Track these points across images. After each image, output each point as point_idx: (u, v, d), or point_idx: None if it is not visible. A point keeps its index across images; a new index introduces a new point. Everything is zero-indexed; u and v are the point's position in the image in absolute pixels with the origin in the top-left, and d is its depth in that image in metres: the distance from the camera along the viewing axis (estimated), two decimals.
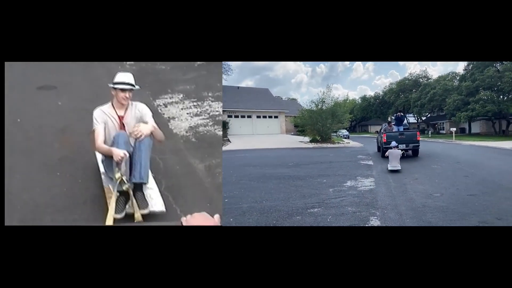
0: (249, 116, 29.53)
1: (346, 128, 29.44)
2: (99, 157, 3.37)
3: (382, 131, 12.93)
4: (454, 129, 26.48)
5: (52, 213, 3.02)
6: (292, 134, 29.19)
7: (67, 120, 4.02)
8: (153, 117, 3.28)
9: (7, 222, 2.92)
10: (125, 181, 2.99)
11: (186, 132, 4.07)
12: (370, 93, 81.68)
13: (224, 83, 29.15)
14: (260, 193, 5.85)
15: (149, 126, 3.14)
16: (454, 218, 4.28)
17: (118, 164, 2.97)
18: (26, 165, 3.43)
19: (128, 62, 5.19)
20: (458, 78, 36.06)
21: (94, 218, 3.03)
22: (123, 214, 3.04)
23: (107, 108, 3.26)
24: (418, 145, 11.75)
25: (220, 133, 4.20)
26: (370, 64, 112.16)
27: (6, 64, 4.68)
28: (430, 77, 42.89)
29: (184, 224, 1.37)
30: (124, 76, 3.21)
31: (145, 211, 3.05)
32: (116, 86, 3.18)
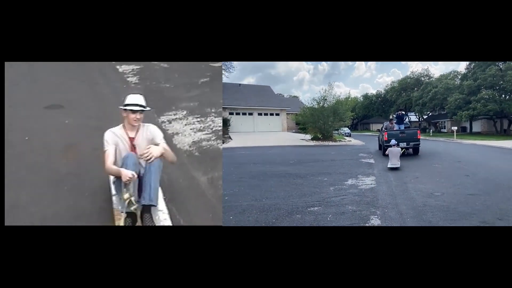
0: (250, 114, 29.50)
1: (347, 126, 29.40)
2: (111, 178, 3.36)
3: (383, 129, 12.97)
4: (455, 128, 26.40)
5: (59, 223, 3.08)
6: (293, 132, 29.17)
7: (74, 137, 4.13)
8: (164, 138, 3.29)
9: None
10: (133, 202, 2.98)
11: (190, 146, 4.17)
12: (372, 91, 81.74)
13: (225, 80, 29.08)
14: (260, 191, 5.84)
15: (159, 148, 3.14)
16: (454, 218, 4.27)
17: (127, 185, 2.98)
18: (34, 179, 3.52)
19: (133, 82, 5.37)
20: (459, 76, 35.94)
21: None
22: None
23: (118, 129, 3.28)
24: (419, 144, 11.88)
25: (221, 147, 4.27)
26: (372, 63, 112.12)
27: (14, 82, 4.81)
28: (432, 75, 42.86)
29: None
30: (135, 98, 3.23)
31: None
32: (127, 107, 3.19)
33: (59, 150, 3.92)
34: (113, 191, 3.27)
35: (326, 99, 20.85)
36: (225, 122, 23.04)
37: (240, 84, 32.92)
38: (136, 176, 3.01)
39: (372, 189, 6.01)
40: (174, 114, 4.76)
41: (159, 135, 3.29)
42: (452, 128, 26.62)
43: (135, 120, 3.20)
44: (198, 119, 4.66)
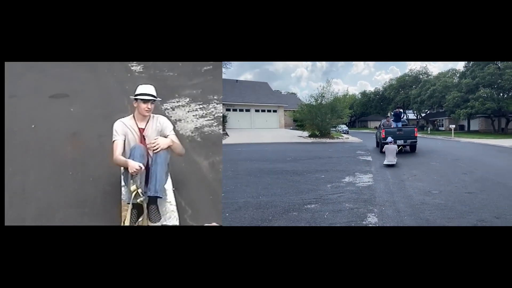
0: (247, 110, 29.36)
1: (345, 124, 29.38)
2: (121, 170, 3.36)
3: (381, 126, 13.03)
4: (453, 126, 26.45)
5: (64, 207, 3.19)
6: (291, 129, 29.14)
7: (79, 125, 4.25)
8: (174, 130, 3.30)
9: (22, 216, 3.08)
10: (140, 194, 2.98)
11: (192, 132, 4.26)
12: (370, 88, 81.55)
13: (223, 76, 28.95)
14: (257, 188, 5.81)
15: (167, 140, 3.14)
16: (452, 216, 4.25)
17: (134, 176, 2.97)
18: (40, 165, 3.63)
19: (137, 71, 5.47)
20: (458, 75, 35.99)
21: (103, 213, 3.17)
22: None
23: (128, 120, 3.26)
24: (416, 141, 12.03)
25: (221, 132, 4.37)
26: None
27: (20, 73, 4.98)
28: (430, 73, 42.89)
29: None
30: (146, 88, 3.22)
31: (156, 224, 3.05)
32: (138, 97, 3.18)
33: (64, 137, 4.03)
34: (122, 182, 3.26)
35: (324, 96, 20.82)
36: (222, 118, 22.93)
37: (237, 80, 32.67)
38: (143, 168, 3.00)
39: (370, 187, 5.98)
40: (177, 102, 4.83)
41: (169, 127, 3.27)
42: (450, 126, 26.66)
43: (146, 110, 3.17)
44: (201, 106, 4.74)
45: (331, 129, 22.31)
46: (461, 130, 33.50)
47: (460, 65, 43.63)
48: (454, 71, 38.08)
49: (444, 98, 33.11)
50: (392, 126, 12.61)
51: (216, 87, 5.10)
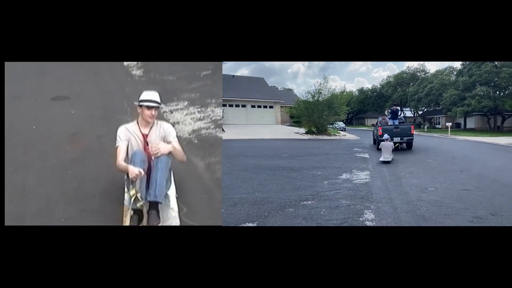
0: (243, 106, 29.14)
1: (342, 120, 29.39)
2: (125, 176, 3.37)
3: (378, 124, 13.09)
4: (450, 123, 26.54)
5: (64, 204, 3.25)
6: (287, 125, 29.09)
7: (79, 126, 4.35)
8: (176, 137, 3.32)
9: (22, 212, 3.12)
10: (139, 199, 2.98)
11: (189, 134, 4.35)
12: (368, 85, 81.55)
13: None
14: (253, 184, 5.78)
15: (168, 145, 3.15)
16: (448, 213, 4.25)
17: (133, 181, 2.98)
18: (40, 164, 3.71)
19: (137, 74, 5.63)
20: (455, 73, 36.05)
21: (101, 210, 3.22)
22: None
23: (132, 126, 3.26)
24: (412, 138, 12.14)
25: (221, 135, 4.44)
26: None
27: (23, 75, 5.13)
28: (427, 71, 42.91)
29: None
30: (150, 94, 3.22)
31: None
32: (142, 103, 3.17)
33: (65, 138, 4.14)
34: (126, 188, 3.26)
35: (321, 93, 20.74)
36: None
37: (233, 75, 32.45)
38: (143, 173, 3.00)
39: (366, 184, 5.97)
40: (176, 105, 4.94)
41: (172, 133, 3.29)
42: (447, 124, 26.75)
43: (149, 117, 3.18)
44: (199, 109, 4.85)
45: (328, 126, 22.31)
46: (457, 128, 33.65)
47: (457, 63, 43.89)
48: (451, 69, 38.17)
49: (441, 96, 33.20)
50: (388, 124, 12.67)
51: (215, 90, 5.22)
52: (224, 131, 19.66)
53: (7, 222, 2.89)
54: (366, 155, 10.48)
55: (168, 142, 3.22)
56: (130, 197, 2.97)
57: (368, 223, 3.83)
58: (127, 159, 3.12)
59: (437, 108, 38.78)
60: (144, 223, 3.05)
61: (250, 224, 3.77)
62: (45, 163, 3.72)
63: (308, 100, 21.03)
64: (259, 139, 16.36)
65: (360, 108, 54.39)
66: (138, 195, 2.97)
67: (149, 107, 3.16)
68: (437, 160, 9.51)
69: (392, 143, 9.51)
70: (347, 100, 23.54)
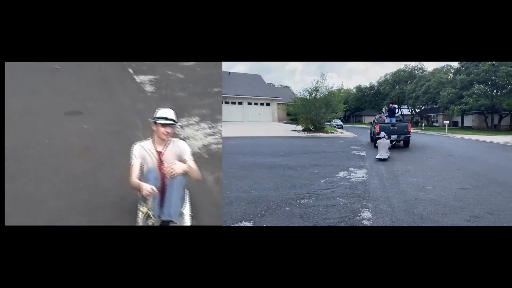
0: (240, 103, 28.95)
1: (340, 118, 29.33)
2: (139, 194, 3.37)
3: (375, 122, 13.10)
4: (447, 122, 26.58)
5: (74, 215, 3.30)
6: (284, 123, 29.03)
7: (91, 141, 4.46)
8: (191, 154, 3.31)
9: (34, 223, 3.11)
10: (151, 216, 2.94)
11: (199, 149, 4.46)
12: (365, 83, 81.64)
13: None
14: (249, 182, 5.73)
15: (183, 165, 3.11)
16: (445, 212, 4.23)
17: (146, 199, 2.95)
18: (52, 176, 3.79)
19: (149, 91, 5.80)
20: (453, 71, 36.08)
21: (111, 221, 3.25)
22: None
23: (146, 143, 3.25)
24: (409, 136, 12.19)
25: (220, 147, 4.61)
26: None
27: (37, 90, 5.38)
28: (425, 69, 42.96)
29: None
30: (166, 112, 3.21)
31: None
32: (157, 121, 3.15)
33: (77, 152, 4.24)
34: (138, 205, 3.24)
35: (318, 90, 20.67)
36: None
37: (229, 72, 32.16)
38: (156, 190, 2.96)
39: (364, 182, 5.94)
40: (187, 121, 5.11)
41: (187, 151, 3.26)
42: (444, 122, 26.82)
43: (164, 134, 3.16)
44: (209, 125, 5.06)
45: (325, 123, 22.24)
46: (454, 126, 33.70)
47: (455, 62, 43.77)
48: (449, 67, 38.20)
49: (438, 94, 33.24)
50: (385, 121, 12.68)
51: (219, 108, 5.49)
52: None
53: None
54: (364, 153, 10.45)
55: (183, 161, 3.19)
56: (143, 214, 2.95)
57: (365, 222, 3.80)
58: (141, 177, 3.09)
59: (435, 106, 38.83)
60: None
61: (247, 223, 3.72)
62: (57, 176, 3.78)
63: (306, 97, 20.96)
64: (256, 137, 16.30)
65: (358, 105, 54.45)
66: (150, 213, 2.93)
67: (164, 125, 3.14)
68: (434, 159, 9.50)
69: (388, 141, 9.55)
70: (345, 98, 23.49)
